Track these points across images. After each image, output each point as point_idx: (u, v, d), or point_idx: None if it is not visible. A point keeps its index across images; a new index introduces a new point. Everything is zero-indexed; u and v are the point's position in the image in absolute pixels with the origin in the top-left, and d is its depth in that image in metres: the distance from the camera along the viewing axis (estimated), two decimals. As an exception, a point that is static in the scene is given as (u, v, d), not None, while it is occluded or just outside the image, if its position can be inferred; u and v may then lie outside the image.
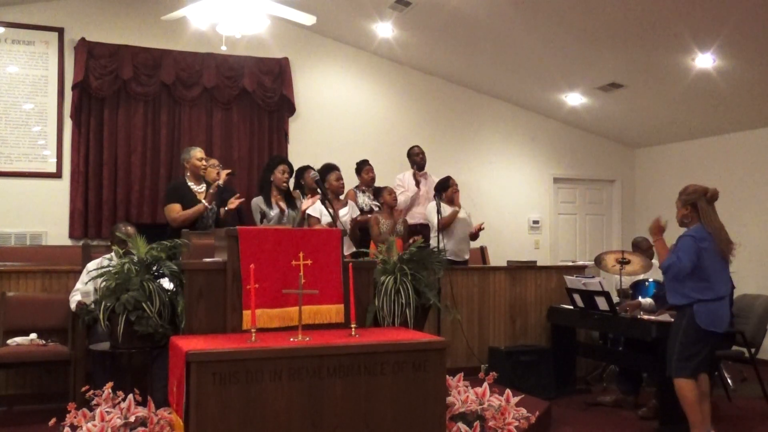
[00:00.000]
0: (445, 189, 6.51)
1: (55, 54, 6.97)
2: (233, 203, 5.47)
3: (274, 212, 5.86)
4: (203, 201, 5.31)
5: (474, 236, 6.61)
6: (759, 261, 7.55)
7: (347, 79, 8.12)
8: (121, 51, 7.06)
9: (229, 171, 6.07)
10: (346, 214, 6.04)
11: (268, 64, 7.62)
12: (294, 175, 6.34)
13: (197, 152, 5.49)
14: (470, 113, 8.63)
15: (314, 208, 5.88)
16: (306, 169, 6.42)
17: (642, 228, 8.86)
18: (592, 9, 6.09)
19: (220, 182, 5.75)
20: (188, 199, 5.36)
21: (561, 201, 9.24)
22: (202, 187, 5.48)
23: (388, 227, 6.10)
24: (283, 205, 5.83)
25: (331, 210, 5.52)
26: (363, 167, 6.91)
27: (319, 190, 5.73)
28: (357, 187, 6.89)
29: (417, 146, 7.36)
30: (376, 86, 8.24)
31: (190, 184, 5.45)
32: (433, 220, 6.23)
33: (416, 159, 7.28)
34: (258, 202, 5.93)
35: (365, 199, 6.72)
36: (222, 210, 5.52)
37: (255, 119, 7.64)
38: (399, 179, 7.23)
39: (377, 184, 6.90)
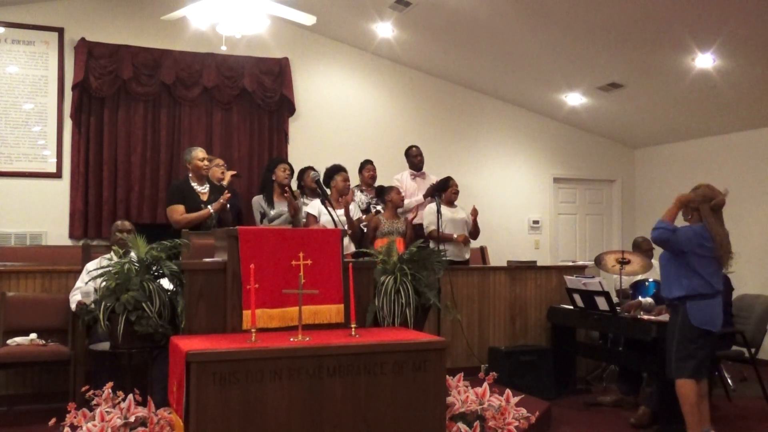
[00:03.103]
0: (445, 189, 6.50)
1: (55, 54, 6.96)
2: (223, 199, 5.30)
3: (274, 211, 5.87)
4: (210, 207, 5.23)
5: (474, 233, 6.58)
6: (759, 261, 7.55)
7: (347, 79, 8.12)
8: (121, 51, 7.06)
9: (234, 173, 6.06)
10: (347, 213, 6.03)
11: (268, 64, 7.62)
12: (296, 176, 6.36)
13: (199, 152, 5.43)
14: (470, 113, 8.63)
15: (312, 206, 5.88)
16: (307, 169, 6.44)
17: (642, 228, 8.87)
18: (592, 9, 6.08)
19: (224, 183, 5.73)
20: (191, 200, 5.32)
21: (561, 201, 9.23)
22: (206, 188, 5.44)
23: (390, 228, 6.10)
24: (283, 205, 5.82)
25: (330, 209, 5.52)
26: (365, 166, 6.95)
27: (319, 191, 5.74)
28: (357, 185, 6.91)
29: (415, 147, 7.33)
30: (376, 86, 8.23)
31: (193, 184, 5.40)
32: (432, 221, 6.22)
33: (414, 160, 7.26)
34: (258, 200, 5.96)
35: (362, 197, 6.74)
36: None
37: (255, 119, 7.63)
38: (397, 180, 7.21)
39: (378, 183, 6.92)
